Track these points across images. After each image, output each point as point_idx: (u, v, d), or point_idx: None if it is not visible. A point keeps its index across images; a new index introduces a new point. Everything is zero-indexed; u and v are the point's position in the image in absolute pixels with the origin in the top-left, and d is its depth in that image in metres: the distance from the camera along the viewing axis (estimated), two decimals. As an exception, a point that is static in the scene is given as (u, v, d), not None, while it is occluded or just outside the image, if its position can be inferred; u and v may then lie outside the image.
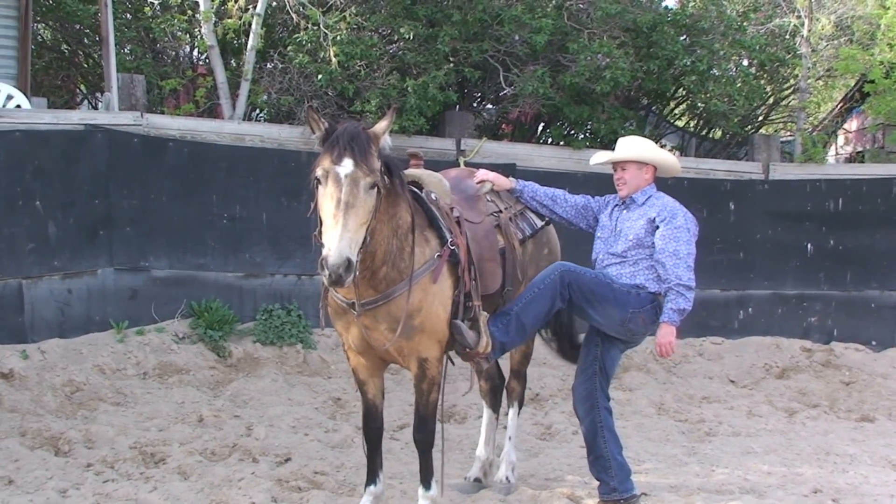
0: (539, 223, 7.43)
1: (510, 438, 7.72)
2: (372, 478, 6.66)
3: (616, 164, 7.17)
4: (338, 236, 5.41)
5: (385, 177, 5.85)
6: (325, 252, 5.43)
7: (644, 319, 6.85)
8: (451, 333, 6.44)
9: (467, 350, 6.53)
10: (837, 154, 19.15)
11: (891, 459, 8.92)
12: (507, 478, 7.59)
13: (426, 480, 6.57)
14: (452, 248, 6.39)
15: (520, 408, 7.87)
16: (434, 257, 6.29)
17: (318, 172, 5.64)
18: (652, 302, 6.84)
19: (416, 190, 6.59)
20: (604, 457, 6.95)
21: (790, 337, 13.09)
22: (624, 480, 6.96)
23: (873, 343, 13.22)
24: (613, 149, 11.19)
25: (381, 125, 5.87)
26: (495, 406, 7.80)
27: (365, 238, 5.63)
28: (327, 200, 5.57)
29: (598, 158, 7.46)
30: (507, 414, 7.86)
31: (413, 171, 6.83)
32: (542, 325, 7.15)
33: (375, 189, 5.66)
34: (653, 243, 6.91)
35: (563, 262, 6.96)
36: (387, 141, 5.88)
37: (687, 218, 6.98)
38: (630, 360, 12.11)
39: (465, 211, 6.86)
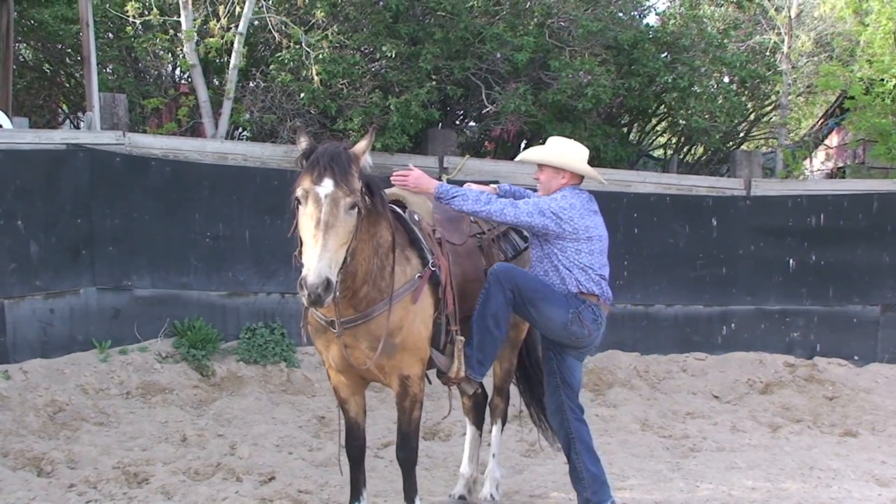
0: (522, 244, 7.42)
1: (494, 455, 7.71)
2: (356, 496, 6.66)
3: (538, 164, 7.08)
4: (317, 256, 5.40)
5: (366, 196, 5.84)
6: (304, 272, 5.42)
7: (583, 320, 6.72)
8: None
9: (441, 374, 6.57)
10: (818, 170, 19.24)
11: (874, 474, 8.95)
12: (491, 495, 7.58)
13: (410, 498, 6.58)
14: (434, 269, 6.40)
15: (503, 424, 7.86)
16: (415, 277, 6.30)
17: (299, 192, 5.63)
18: (584, 302, 6.75)
19: (397, 209, 6.60)
20: (577, 468, 6.93)
21: (773, 352, 13.12)
22: (598, 491, 6.91)
23: (856, 358, 13.27)
24: (597, 165, 11.15)
25: (361, 145, 5.87)
26: (478, 423, 7.80)
27: (345, 258, 5.62)
28: (307, 220, 5.56)
29: (519, 157, 7.43)
30: (490, 431, 7.85)
31: (396, 190, 6.84)
32: (506, 320, 6.83)
33: (356, 209, 5.65)
34: (550, 248, 6.80)
35: (500, 263, 6.88)
36: (367, 161, 5.88)
37: (559, 205, 6.72)
38: (614, 376, 12.15)
39: (448, 232, 6.87)
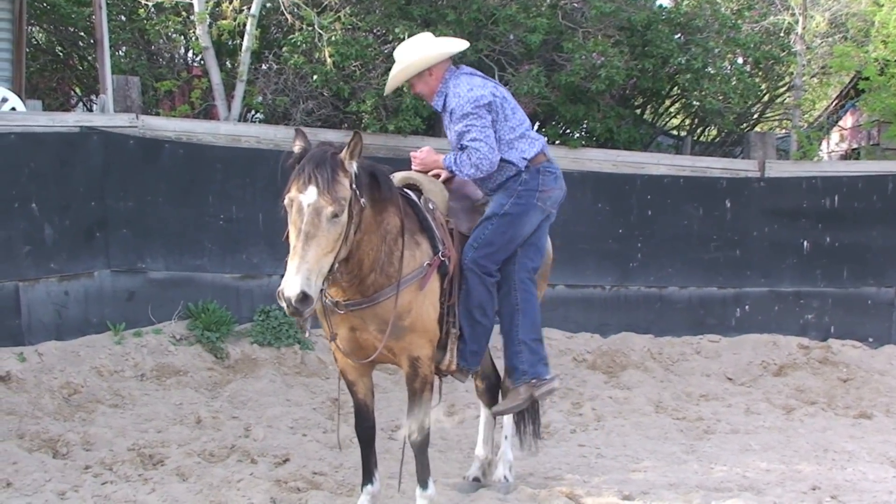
0: None
1: (507, 437, 7.71)
2: (368, 477, 6.67)
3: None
4: (295, 269, 5.41)
5: (360, 196, 5.76)
6: (282, 284, 5.42)
7: (548, 189, 6.85)
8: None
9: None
10: (832, 151, 19.16)
11: (889, 456, 8.93)
12: (505, 477, 7.57)
13: (423, 480, 6.58)
14: (443, 259, 6.39)
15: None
16: (424, 265, 6.30)
17: (286, 200, 5.62)
18: (537, 171, 6.83)
19: (411, 195, 6.59)
20: (513, 341, 6.85)
21: (787, 334, 13.09)
22: (535, 364, 6.85)
23: (870, 339, 13.23)
24: (611, 147, 11.03)
25: (347, 151, 5.73)
26: (492, 405, 7.79)
27: (332, 265, 5.60)
28: (292, 230, 5.57)
29: (386, 91, 7.33)
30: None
31: (414, 175, 6.83)
32: (491, 307, 6.79)
33: (343, 216, 5.60)
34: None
35: (466, 250, 6.71)
36: (353, 167, 5.75)
37: (470, 100, 6.65)
38: (628, 358, 12.14)
39: (462, 222, 6.84)
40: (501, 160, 6.75)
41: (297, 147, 5.84)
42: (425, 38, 6.99)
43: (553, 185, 6.91)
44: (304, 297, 5.36)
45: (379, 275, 6.09)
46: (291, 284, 5.37)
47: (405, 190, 6.61)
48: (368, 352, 6.30)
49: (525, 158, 6.82)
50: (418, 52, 6.83)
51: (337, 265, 5.68)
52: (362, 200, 5.79)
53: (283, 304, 5.42)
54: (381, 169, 6.12)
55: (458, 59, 12.22)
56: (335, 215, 5.55)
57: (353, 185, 5.72)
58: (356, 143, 5.74)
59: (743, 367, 12.32)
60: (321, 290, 5.58)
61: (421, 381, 6.42)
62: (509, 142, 6.79)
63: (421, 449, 6.54)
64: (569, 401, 10.51)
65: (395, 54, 6.99)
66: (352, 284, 6.03)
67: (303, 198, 5.53)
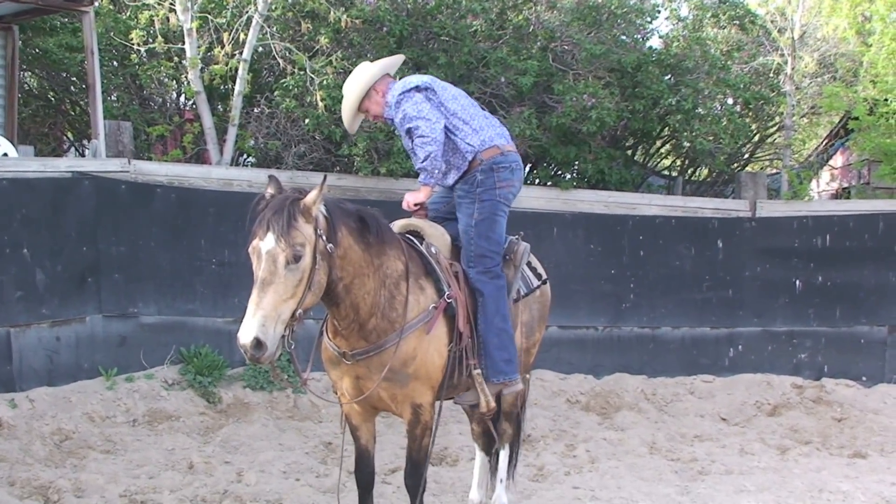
0: (536, 282, 7.36)
1: (501, 480, 7.66)
2: (364, 523, 6.63)
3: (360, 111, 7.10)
4: (251, 315, 5.40)
5: (322, 238, 5.68)
6: (238, 331, 5.42)
7: (502, 182, 6.78)
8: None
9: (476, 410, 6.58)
10: (823, 190, 19.22)
11: (884, 495, 8.91)
12: (498, 520, 7.54)
13: (417, 525, 6.53)
14: (449, 300, 6.36)
15: (512, 450, 7.79)
16: (430, 308, 6.26)
17: (250, 248, 5.62)
18: (490, 169, 6.76)
19: (413, 239, 6.57)
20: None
21: (781, 374, 13.09)
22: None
23: (864, 378, 13.23)
24: (602, 188, 10.97)
25: (312, 195, 5.66)
26: (487, 449, 7.75)
27: (295, 312, 5.55)
28: (254, 276, 5.56)
29: (347, 127, 7.36)
30: (497, 455, 7.78)
31: (415, 221, 6.81)
32: (509, 310, 6.81)
33: (304, 262, 5.54)
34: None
35: (469, 276, 6.73)
36: (320, 210, 5.72)
37: (399, 88, 6.78)
38: (621, 399, 12.11)
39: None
40: (448, 140, 6.74)
41: (268, 193, 5.81)
42: (362, 66, 7.09)
43: (510, 178, 6.81)
44: (259, 344, 5.36)
45: (380, 320, 6.06)
46: (246, 331, 5.37)
47: (407, 235, 6.61)
48: (371, 399, 6.28)
49: (470, 145, 6.74)
50: (357, 79, 6.98)
51: (300, 313, 5.62)
52: (329, 246, 5.71)
53: (242, 352, 5.41)
54: (369, 212, 6.10)
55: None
56: (294, 259, 5.50)
57: (319, 230, 5.67)
58: (323, 186, 5.70)
59: (737, 407, 12.29)
60: (283, 336, 5.54)
61: (422, 427, 6.38)
62: (454, 126, 6.75)
63: (417, 494, 6.50)
64: (562, 443, 10.47)
65: (345, 88, 7.08)
66: (351, 331, 6.01)
67: (262, 245, 5.52)
